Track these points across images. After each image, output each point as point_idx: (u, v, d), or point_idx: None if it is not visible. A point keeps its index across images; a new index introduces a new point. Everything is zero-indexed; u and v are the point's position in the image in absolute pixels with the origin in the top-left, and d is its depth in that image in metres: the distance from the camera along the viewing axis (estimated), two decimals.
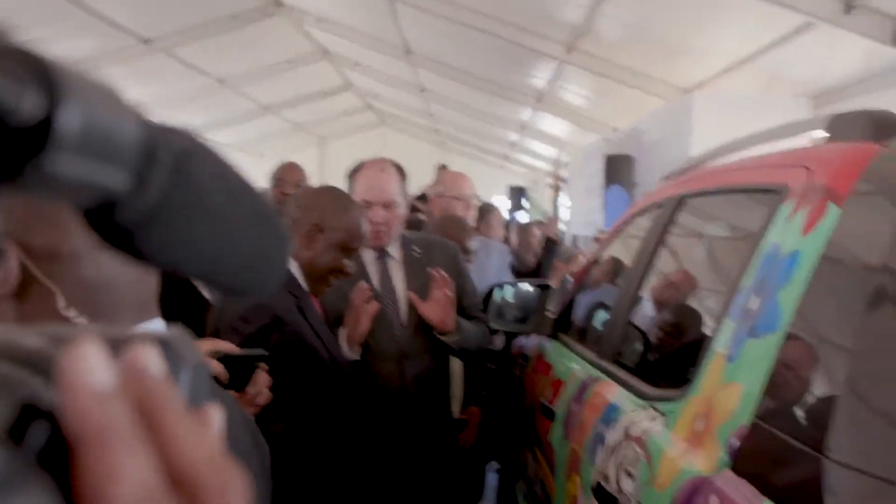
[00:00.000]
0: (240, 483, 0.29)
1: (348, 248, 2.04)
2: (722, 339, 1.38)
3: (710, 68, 6.02)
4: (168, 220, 0.32)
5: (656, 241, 2.09)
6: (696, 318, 1.90)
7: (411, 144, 15.22)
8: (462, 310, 2.60)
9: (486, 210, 4.66)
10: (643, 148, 7.26)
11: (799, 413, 1.11)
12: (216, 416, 0.30)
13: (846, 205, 1.18)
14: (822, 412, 1.05)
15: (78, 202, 0.29)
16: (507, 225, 5.94)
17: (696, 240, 2.11)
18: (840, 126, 1.42)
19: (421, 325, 2.44)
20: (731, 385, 1.29)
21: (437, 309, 2.40)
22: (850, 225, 1.16)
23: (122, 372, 0.27)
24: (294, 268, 1.98)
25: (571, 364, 2.44)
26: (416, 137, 15.50)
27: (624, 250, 2.55)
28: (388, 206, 2.43)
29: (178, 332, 0.30)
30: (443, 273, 2.41)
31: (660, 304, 2.11)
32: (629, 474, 1.53)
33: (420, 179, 8.65)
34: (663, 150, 6.60)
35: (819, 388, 1.09)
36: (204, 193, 0.34)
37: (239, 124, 11.27)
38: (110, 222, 0.30)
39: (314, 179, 4.98)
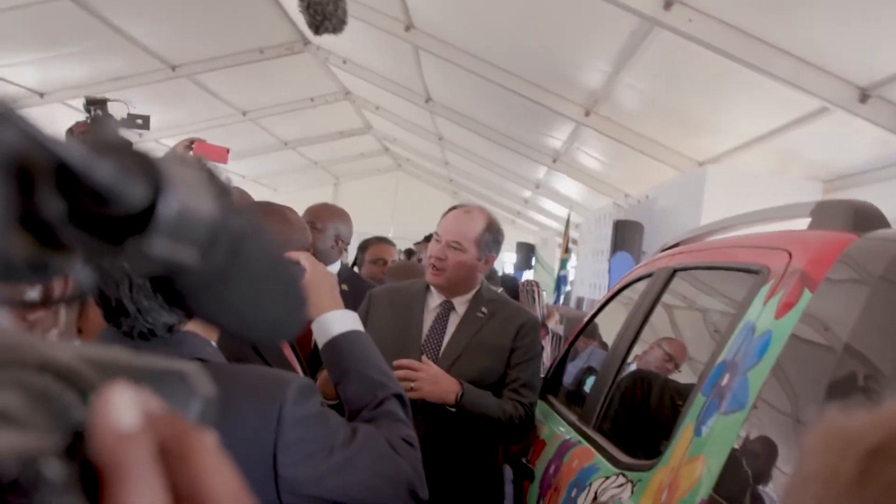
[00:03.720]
0: None
1: None
2: (692, 412, 1.39)
3: (725, 143, 6.08)
4: (217, 288, 0.38)
5: (646, 310, 2.11)
6: (675, 390, 1.91)
7: (425, 191, 15.34)
8: (503, 383, 2.37)
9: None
10: (653, 216, 7.29)
11: (754, 491, 1.11)
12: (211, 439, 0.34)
13: (818, 290, 1.20)
14: (775, 492, 1.06)
15: (153, 272, 0.35)
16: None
17: (683, 312, 2.12)
18: (823, 214, 1.45)
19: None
20: (696, 459, 1.30)
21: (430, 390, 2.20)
22: (818, 310, 1.18)
23: (151, 412, 0.30)
24: None
25: (555, 426, 2.43)
26: (431, 185, 15.61)
27: (616, 316, 2.56)
28: (451, 245, 2.37)
29: (194, 366, 0.34)
30: (410, 364, 2.18)
31: (643, 373, 2.12)
32: None
33: (431, 227, 8.69)
34: (673, 220, 6.62)
35: (775, 468, 1.10)
36: (250, 269, 0.40)
37: (257, 156, 11.38)
38: (170, 286, 0.37)
39: None
